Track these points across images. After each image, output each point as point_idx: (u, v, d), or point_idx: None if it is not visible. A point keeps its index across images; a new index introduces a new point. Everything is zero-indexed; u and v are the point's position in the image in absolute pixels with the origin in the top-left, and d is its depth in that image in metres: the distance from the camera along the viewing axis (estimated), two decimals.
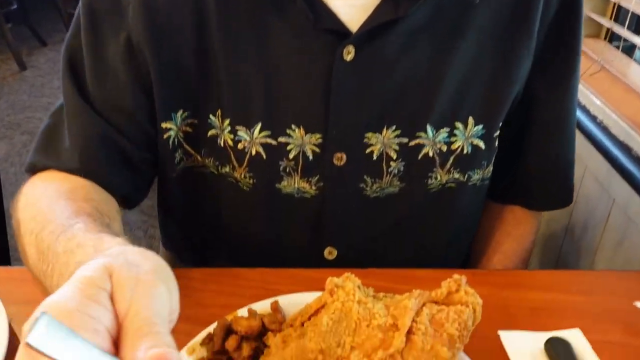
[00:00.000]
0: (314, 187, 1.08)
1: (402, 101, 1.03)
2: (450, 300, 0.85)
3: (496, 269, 1.21)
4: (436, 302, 0.85)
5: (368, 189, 1.09)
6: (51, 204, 0.91)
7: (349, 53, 0.96)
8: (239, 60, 0.99)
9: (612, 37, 2.05)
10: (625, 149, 1.59)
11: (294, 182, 1.08)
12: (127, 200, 1.10)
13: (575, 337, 0.96)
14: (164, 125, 1.05)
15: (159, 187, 1.35)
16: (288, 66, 0.99)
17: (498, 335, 0.97)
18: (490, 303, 1.02)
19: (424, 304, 0.84)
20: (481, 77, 1.04)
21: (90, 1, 1.00)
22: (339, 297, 0.84)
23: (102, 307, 0.53)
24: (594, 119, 1.75)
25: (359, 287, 0.85)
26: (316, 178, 1.07)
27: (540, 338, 0.96)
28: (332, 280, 0.86)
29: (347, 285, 0.85)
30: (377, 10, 0.94)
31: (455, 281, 0.86)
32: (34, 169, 1.06)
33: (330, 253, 1.15)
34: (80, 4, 1.01)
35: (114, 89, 1.02)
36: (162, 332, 0.52)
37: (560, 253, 1.81)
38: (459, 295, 0.85)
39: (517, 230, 1.31)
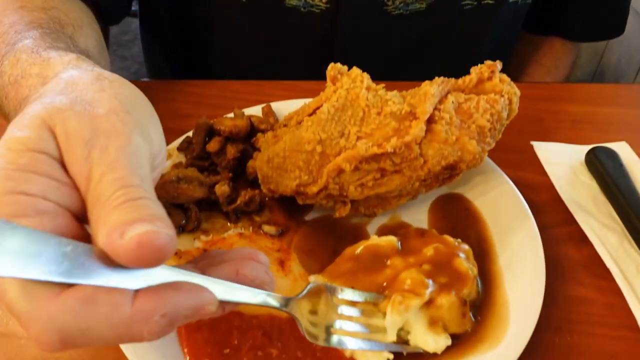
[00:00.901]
0: (324, 0, 0.89)
1: None
2: (481, 90, 0.69)
3: (531, 81, 1.04)
4: (464, 91, 0.69)
5: (390, 3, 0.89)
6: None
7: None
8: None
9: None
10: None
11: None
12: (106, 13, 0.91)
13: (622, 149, 0.81)
14: None
15: (141, 10, 1.16)
16: None
17: (531, 147, 0.82)
18: (524, 116, 0.85)
19: (448, 92, 0.68)
20: None
21: None
22: (343, 85, 0.67)
23: (45, 179, 0.37)
24: None
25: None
26: None
27: (580, 150, 0.81)
28: (334, 66, 0.69)
29: (354, 71, 0.69)
30: None
31: (488, 67, 0.69)
32: None
33: None
34: None
35: None
36: (143, 197, 0.36)
37: (599, 67, 1.62)
38: (492, 84, 0.69)
39: (552, 62, 1.13)
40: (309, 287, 0.52)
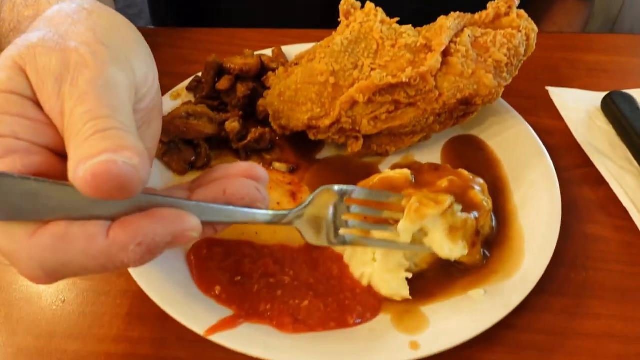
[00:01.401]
0: None
1: None
2: (498, 25, 0.67)
3: (546, 31, 1.02)
4: (480, 26, 0.67)
5: None
6: None
7: None
8: None
9: None
10: None
11: None
12: None
13: (639, 95, 0.79)
14: None
15: None
16: None
17: (547, 92, 0.81)
18: (540, 63, 0.85)
19: (465, 26, 0.66)
20: None
21: None
22: (356, 19, 0.66)
23: (16, 119, 0.37)
24: None
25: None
26: None
27: (596, 96, 0.80)
28: (347, 1, 0.68)
29: (368, 5, 0.67)
30: None
31: (506, 2, 0.67)
32: None
33: None
34: None
35: None
36: (112, 128, 0.35)
37: (619, 15, 1.59)
38: (509, 19, 0.67)
39: (564, 20, 1.11)
40: (314, 194, 0.51)
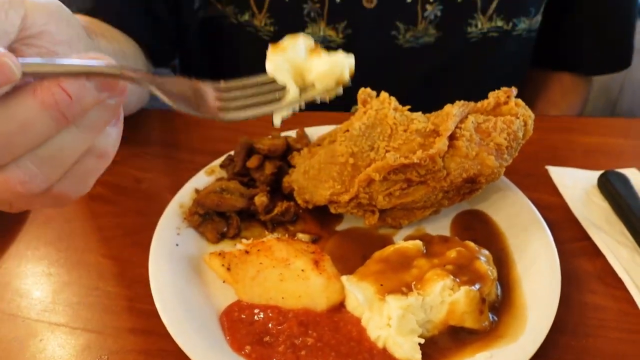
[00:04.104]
0: (341, 35, 0.98)
1: None
2: (498, 112, 0.76)
3: (546, 114, 1.11)
4: (482, 113, 0.76)
5: (401, 37, 0.98)
6: None
7: None
8: None
9: None
10: None
11: (319, 30, 0.98)
12: (153, 54, 1.02)
13: (632, 174, 0.86)
14: None
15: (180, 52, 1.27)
16: None
17: (547, 171, 0.88)
18: (540, 145, 0.93)
19: (468, 113, 0.75)
20: None
21: None
22: (372, 106, 0.75)
23: None
24: None
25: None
26: (344, 24, 0.97)
27: (592, 175, 0.87)
28: (364, 90, 0.77)
29: (382, 95, 0.76)
30: None
31: (505, 92, 0.76)
32: None
33: (357, 111, 1.05)
34: None
35: None
36: None
37: (617, 101, 1.67)
38: (508, 107, 0.76)
39: (564, 100, 1.20)
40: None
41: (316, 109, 1.01)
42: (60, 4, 0.55)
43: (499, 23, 0.99)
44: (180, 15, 1.04)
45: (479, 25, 0.98)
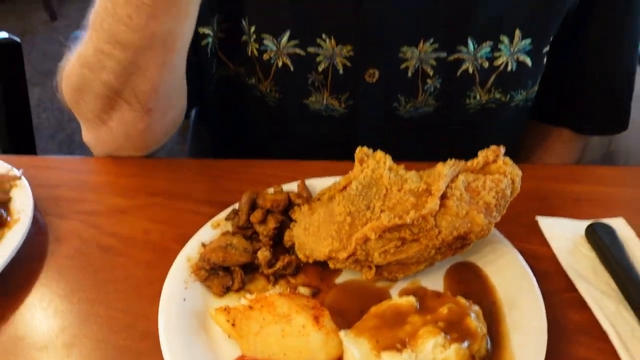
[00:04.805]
0: (343, 105, 1.02)
1: (441, 10, 0.95)
2: (487, 171, 0.80)
3: (539, 163, 1.15)
4: (472, 172, 0.80)
5: (401, 108, 1.02)
6: None
7: None
8: None
9: None
10: None
11: (323, 99, 1.02)
12: None
13: (619, 225, 0.90)
14: (201, 30, 1.00)
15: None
16: None
17: (536, 221, 0.92)
18: (530, 194, 0.97)
19: (459, 172, 0.79)
20: None
21: None
22: (369, 165, 0.79)
23: None
24: None
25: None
26: (346, 95, 1.01)
27: (580, 225, 0.91)
28: (362, 150, 0.82)
29: (378, 154, 0.81)
30: None
31: (493, 151, 0.81)
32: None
33: None
34: None
35: None
36: None
37: (610, 146, 1.72)
38: (497, 166, 0.80)
39: (562, 149, 1.23)
40: None
41: (318, 156, 1.07)
42: None
43: (497, 95, 1.02)
44: (201, 77, 1.09)
45: (478, 97, 1.02)
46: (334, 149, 1.08)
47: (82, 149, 1.14)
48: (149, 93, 0.89)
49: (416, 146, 1.08)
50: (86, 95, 0.92)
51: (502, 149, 0.81)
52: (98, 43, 0.85)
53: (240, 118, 1.17)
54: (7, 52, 1.30)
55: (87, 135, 1.04)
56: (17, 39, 1.31)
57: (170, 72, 0.90)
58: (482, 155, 0.81)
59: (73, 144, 3.51)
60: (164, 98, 0.93)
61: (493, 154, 0.80)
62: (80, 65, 0.90)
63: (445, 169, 0.77)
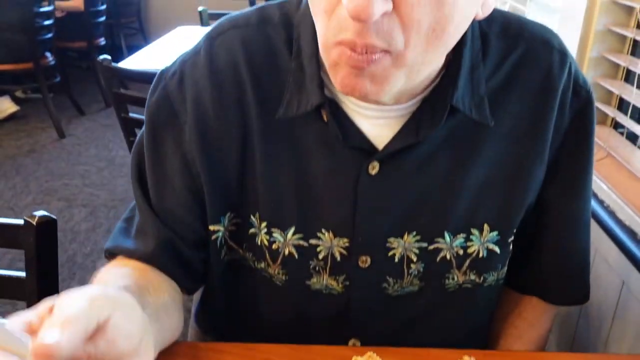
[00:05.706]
0: (340, 285, 1.18)
1: (421, 210, 1.13)
2: None
3: (509, 351, 1.28)
4: None
5: (390, 288, 1.18)
6: None
7: (374, 168, 1.08)
8: (275, 171, 1.12)
9: (617, 124, 2.18)
10: (631, 233, 1.68)
11: (323, 280, 1.18)
12: (186, 290, 1.24)
13: None
14: (212, 228, 1.17)
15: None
16: (319, 177, 1.11)
17: None
18: None
19: None
20: (496, 186, 1.13)
21: (152, 119, 1.15)
22: None
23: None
24: (601, 203, 1.86)
25: None
26: (343, 277, 1.18)
27: None
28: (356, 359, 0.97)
29: (368, 355, 0.96)
30: (400, 133, 1.06)
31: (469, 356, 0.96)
32: (112, 253, 1.19)
33: (354, 344, 1.23)
34: (145, 119, 1.17)
35: (173, 204, 1.16)
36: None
37: (575, 335, 1.86)
38: None
39: (534, 316, 1.36)
40: None
41: (314, 341, 1.20)
42: (134, 303, 0.78)
43: (472, 277, 1.19)
44: (208, 262, 1.24)
45: (455, 279, 1.18)
46: (330, 321, 1.23)
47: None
48: None
49: (401, 323, 1.23)
50: None
51: None
52: None
53: (247, 298, 1.29)
54: (43, 229, 1.41)
55: None
56: (54, 217, 1.44)
57: None
58: None
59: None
60: None
61: None
62: None
63: None
